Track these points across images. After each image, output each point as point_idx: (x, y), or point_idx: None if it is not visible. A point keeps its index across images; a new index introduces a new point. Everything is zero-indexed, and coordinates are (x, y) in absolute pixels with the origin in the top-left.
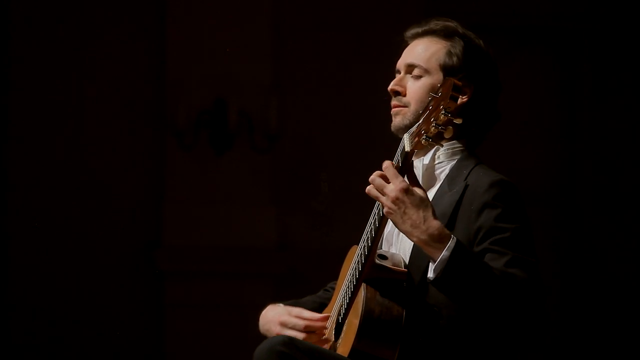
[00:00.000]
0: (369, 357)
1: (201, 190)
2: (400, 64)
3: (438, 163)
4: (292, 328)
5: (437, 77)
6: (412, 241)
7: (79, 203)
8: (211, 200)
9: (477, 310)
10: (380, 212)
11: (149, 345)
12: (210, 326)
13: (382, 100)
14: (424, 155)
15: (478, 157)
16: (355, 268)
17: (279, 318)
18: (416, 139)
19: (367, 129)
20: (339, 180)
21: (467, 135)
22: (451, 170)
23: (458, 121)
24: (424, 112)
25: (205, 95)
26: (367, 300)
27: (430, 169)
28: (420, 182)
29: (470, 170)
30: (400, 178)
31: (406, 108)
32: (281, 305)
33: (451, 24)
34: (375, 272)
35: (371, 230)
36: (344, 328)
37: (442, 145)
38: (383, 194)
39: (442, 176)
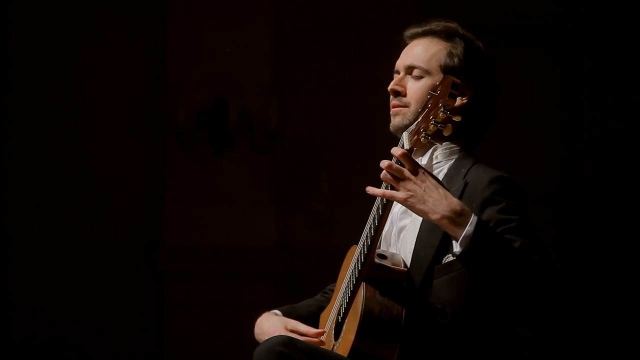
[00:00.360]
0: (369, 357)
1: (201, 190)
2: (400, 64)
3: (436, 163)
4: None
5: (438, 78)
6: (434, 219)
7: (79, 203)
8: (211, 200)
9: (501, 286)
10: (381, 211)
11: (149, 345)
12: (210, 326)
13: (382, 100)
14: (422, 156)
15: (475, 157)
16: (355, 267)
17: (275, 331)
18: (415, 137)
19: (367, 129)
20: (339, 180)
21: (465, 135)
22: (449, 169)
23: (457, 119)
24: (422, 110)
25: (205, 95)
26: (367, 300)
27: (428, 169)
28: None
29: (469, 169)
30: (419, 164)
31: (406, 108)
32: (277, 314)
33: (452, 24)
34: (374, 271)
35: (370, 229)
36: (344, 328)
37: (441, 144)
38: (402, 177)
39: (440, 176)
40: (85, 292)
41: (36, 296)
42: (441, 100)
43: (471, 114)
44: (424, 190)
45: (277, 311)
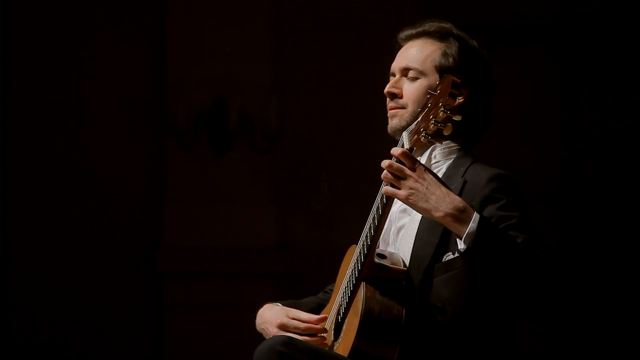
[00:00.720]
0: (369, 356)
1: (201, 190)
2: (395, 66)
3: (434, 162)
4: (293, 331)
5: (433, 78)
6: (437, 217)
7: (79, 203)
8: (211, 200)
9: (505, 281)
10: (380, 210)
11: (149, 345)
12: (210, 326)
13: (382, 100)
14: (420, 156)
15: (474, 156)
16: (355, 267)
17: (277, 320)
18: (415, 136)
19: (367, 129)
20: (339, 180)
21: (463, 134)
22: (448, 169)
23: (457, 118)
24: (422, 110)
25: (205, 95)
26: (367, 299)
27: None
28: None
29: (468, 168)
30: (418, 161)
31: (403, 110)
32: (278, 305)
33: (445, 25)
34: (374, 271)
35: (370, 229)
36: (344, 327)
37: (441, 143)
38: (403, 175)
39: (439, 175)
40: (85, 292)
41: (36, 296)
42: (441, 100)
43: (468, 113)
44: (427, 188)
45: (278, 303)
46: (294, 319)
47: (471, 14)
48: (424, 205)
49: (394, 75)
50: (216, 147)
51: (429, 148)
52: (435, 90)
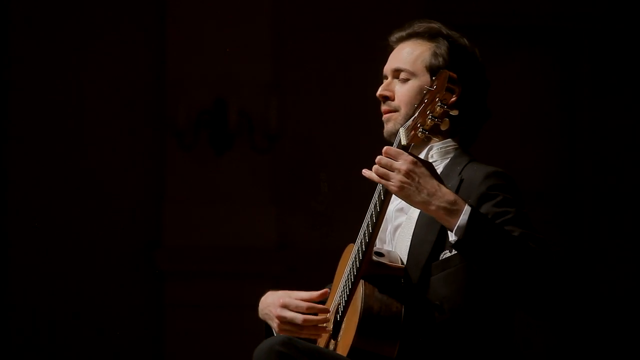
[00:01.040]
0: (369, 354)
1: (201, 190)
2: (387, 69)
3: (432, 162)
4: (295, 309)
5: (424, 78)
6: (429, 211)
7: (79, 203)
8: (211, 200)
9: (499, 274)
10: (378, 208)
11: (149, 345)
12: (210, 326)
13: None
14: (417, 155)
15: (471, 155)
16: (353, 265)
17: (279, 300)
18: (412, 132)
19: (367, 129)
20: (339, 180)
21: (459, 133)
22: (445, 168)
23: (454, 113)
24: (419, 105)
25: (205, 95)
26: (366, 297)
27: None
28: None
29: (464, 166)
30: (406, 152)
31: (396, 112)
32: (280, 290)
33: (435, 25)
34: (373, 269)
35: (368, 227)
36: (343, 326)
37: (438, 139)
38: (392, 170)
39: None
40: (85, 292)
41: (36, 296)
42: (438, 95)
43: (462, 111)
44: (418, 182)
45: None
46: (297, 298)
47: (471, 14)
48: (416, 198)
49: (386, 77)
50: (216, 147)
51: (426, 147)
52: (431, 86)
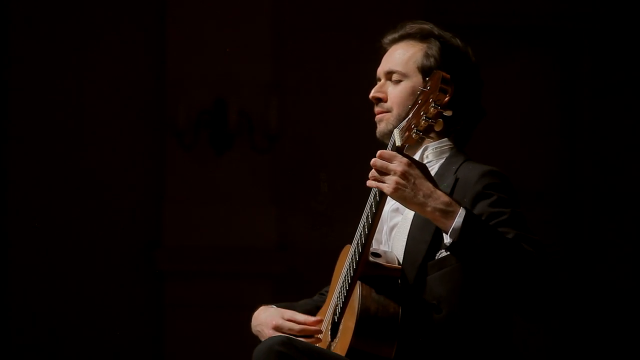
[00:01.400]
0: (367, 355)
1: (201, 190)
2: (380, 71)
3: (427, 162)
4: (288, 332)
5: (416, 79)
6: (424, 213)
7: (79, 203)
8: (211, 200)
9: (494, 276)
10: (374, 208)
11: (149, 345)
12: (210, 326)
13: None
14: (412, 155)
15: (466, 154)
16: (350, 266)
17: (272, 321)
18: (407, 133)
19: (367, 129)
20: (339, 180)
21: (454, 132)
22: (440, 167)
23: (448, 113)
24: (413, 106)
25: (205, 95)
26: (363, 298)
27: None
28: None
29: (460, 166)
30: (400, 155)
31: (389, 113)
32: (273, 307)
33: (426, 26)
34: (369, 269)
35: (364, 228)
36: (341, 327)
37: (433, 138)
38: (388, 172)
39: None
40: (85, 292)
41: (36, 296)
42: (431, 96)
43: (456, 111)
44: (413, 184)
45: (273, 305)
46: (289, 320)
47: (471, 14)
48: (411, 200)
49: (379, 79)
50: (216, 147)
51: (421, 148)
52: (424, 87)
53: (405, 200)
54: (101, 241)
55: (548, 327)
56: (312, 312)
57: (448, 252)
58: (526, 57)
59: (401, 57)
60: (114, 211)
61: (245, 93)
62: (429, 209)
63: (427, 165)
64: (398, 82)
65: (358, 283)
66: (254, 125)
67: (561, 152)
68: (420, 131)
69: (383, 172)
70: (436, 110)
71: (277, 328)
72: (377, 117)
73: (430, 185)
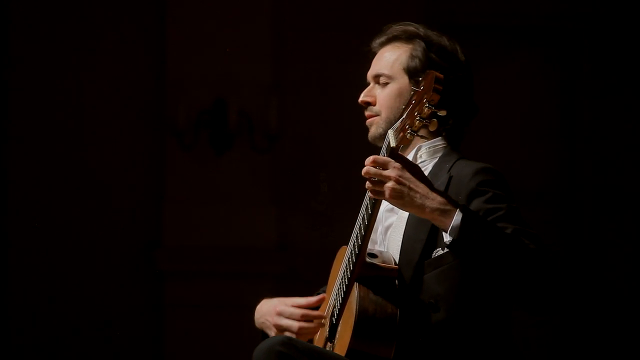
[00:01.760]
0: (366, 356)
1: (201, 190)
2: (369, 75)
3: (421, 162)
4: (289, 317)
5: (403, 81)
6: (424, 215)
7: (79, 203)
8: (211, 200)
9: (495, 272)
10: (369, 210)
11: (149, 345)
12: (210, 326)
13: None
14: (405, 155)
15: (460, 153)
16: (347, 268)
17: (274, 308)
18: (401, 134)
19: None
20: (339, 180)
21: (446, 131)
22: (434, 166)
23: (442, 113)
24: (406, 106)
25: (205, 95)
26: (361, 299)
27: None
28: None
29: (453, 164)
30: (392, 160)
31: (378, 117)
32: (275, 298)
33: (411, 27)
34: (366, 270)
35: (360, 229)
36: (339, 328)
37: (426, 138)
38: (382, 178)
39: (426, 174)
40: (85, 292)
41: (36, 296)
42: (425, 96)
43: (449, 110)
44: (409, 187)
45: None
46: (292, 305)
47: (471, 14)
48: (408, 204)
49: (369, 83)
50: (216, 147)
51: (414, 147)
52: (418, 87)
53: (403, 205)
54: (101, 241)
55: (547, 327)
56: None
57: (444, 251)
58: (526, 57)
59: (387, 59)
60: (114, 211)
61: (245, 93)
62: (427, 210)
63: (421, 165)
64: (385, 84)
65: (355, 284)
66: (254, 125)
67: (561, 152)
68: (414, 131)
69: (377, 180)
70: (430, 111)
71: (279, 313)
72: (368, 121)
73: (425, 186)
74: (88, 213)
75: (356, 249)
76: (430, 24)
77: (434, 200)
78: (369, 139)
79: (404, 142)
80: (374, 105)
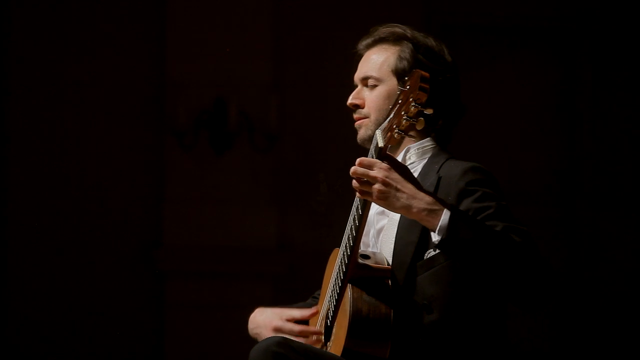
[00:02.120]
0: (362, 356)
1: (201, 190)
2: (356, 77)
3: (410, 164)
4: (289, 334)
5: (391, 83)
6: (411, 215)
7: (79, 203)
8: (211, 200)
9: (485, 269)
10: (360, 210)
11: (149, 345)
12: (210, 326)
13: None
14: (394, 157)
15: (450, 153)
16: (340, 269)
17: (270, 323)
18: (388, 133)
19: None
20: (338, 181)
21: (435, 132)
22: (423, 168)
23: (429, 112)
24: (393, 106)
25: (205, 95)
26: (354, 300)
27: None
28: None
29: (442, 164)
30: (379, 161)
31: (367, 119)
32: (269, 309)
33: (398, 28)
34: (359, 271)
35: (352, 230)
36: (334, 330)
37: (414, 139)
38: (369, 178)
39: (415, 175)
40: (85, 292)
41: (36, 296)
42: (411, 95)
43: (436, 109)
44: (396, 188)
45: (268, 308)
46: (288, 320)
47: (471, 14)
48: (395, 204)
49: (356, 86)
50: (216, 147)
51: (403, 149)
52: (404, 86)
53: (390, 206)
54: (101, 241)
55: (547, 327)
56: None
57: (436, 252)
58: (526, 57)
59: (375, 62)
60: (114, 211)
61: (245, 93)
62: (414, 210)
63: (410, 166)
64: (374, 87)
65: (348, 286)
66: (254, 125)
67: (561, 153)
68: (402, 131)
69: (364, 181)
70: (417, 109)
71: (277, 330)
72: (356, 123)
73: (412, 186)
74: (88, 213)
75: (348, 250)
76: (430, 24)
77: (422, 201)
78: (358, 141)
79: (392, 142)
80: (363, 107)
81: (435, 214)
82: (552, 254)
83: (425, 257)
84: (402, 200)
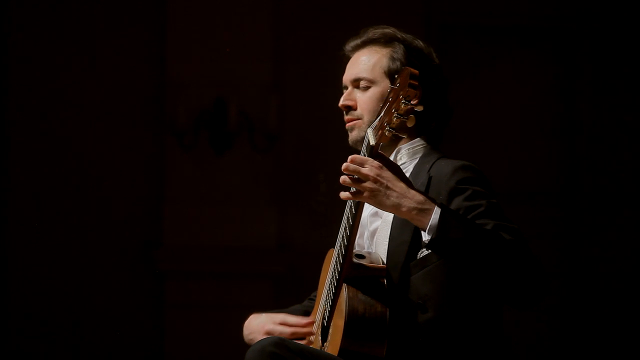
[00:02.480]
0: (359, 355)
1: (201, 190)
2: (346, 79)
3: (401, 164)
4: (280, 335)
5: (384, 84)
6: (401, 214)
7: (79, 203)
8: (211, 200)
9: (477, 268)
10: (353, 210)
11: (149, 345)
12: (210, 326)
13: None
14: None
15: (441, 152)
16: (335, 269)
17: (263, 327)
18: (380, 132)
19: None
20: (338, 181)
21: (426, 132)
22: (414, 168)
23: (419, 108)
24: (384, 104)
25: (205, 95)
26: (350, 300)
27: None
28: None
29: (433, 163)
30: (371, 159)
31: (360, 120)
32: (264, 314)
33: (389, 30)
34: (354, 271)
35: (346, 229)
36: (330, 330)
37: (406, 139)
38: (360, 176)
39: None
40: (85, 292)
41: (36, 296)
42: (401, 92)
43: (426, 109)
44: (386, 187)
45: (262, 314)
46: (281, 323)
47: (471, 14)
48: (386, 202)
49: (346, 87)
50: (216, 147)
51: (394, 150)
52: (394, 84)
53: (380, 204)
54: (101, 241)
55: (546, 326)
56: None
57: (429, 251)
58: (526, 57)
59: (367, 63)
60: (114, 211)
61: (245, 93)
62: (404, 209)
63: (401, 166)
64: (366, 88)
65: (344, 285)
66: (254, 125)
67: (561, 152)
68: (393, 129)
69: (356, 179)
70: (407, 107)
71: (268, 333)
72: (348, 125)
73: (403, 185)
74: (88, 213)
75: (343, 250)
76: (430, 24)
77: (412, 200)
78: (350, 142)
79: (384, 140)
80: (355, 109)
81: (425, 213)
82: (552, 253)
83: (418, 257)
84: (392, 198)
